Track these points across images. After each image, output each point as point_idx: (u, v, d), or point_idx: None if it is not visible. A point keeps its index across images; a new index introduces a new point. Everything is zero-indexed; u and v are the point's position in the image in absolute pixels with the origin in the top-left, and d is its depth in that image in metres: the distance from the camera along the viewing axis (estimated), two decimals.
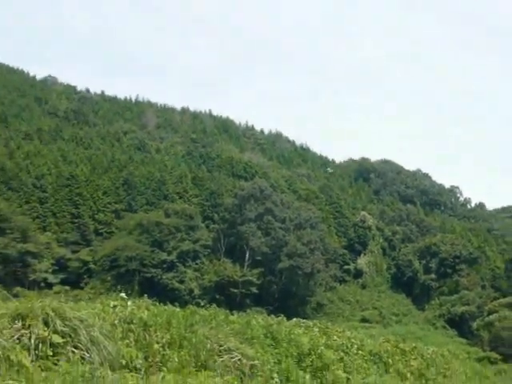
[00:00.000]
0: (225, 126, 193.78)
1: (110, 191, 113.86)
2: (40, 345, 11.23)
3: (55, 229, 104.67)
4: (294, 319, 26.24)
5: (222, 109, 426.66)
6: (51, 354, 11.29)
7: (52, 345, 11.38)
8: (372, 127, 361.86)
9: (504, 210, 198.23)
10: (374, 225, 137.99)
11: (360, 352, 21.50)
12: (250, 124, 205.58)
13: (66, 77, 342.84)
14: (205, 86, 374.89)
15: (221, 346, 14.83)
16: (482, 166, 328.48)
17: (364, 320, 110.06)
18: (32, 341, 11.18)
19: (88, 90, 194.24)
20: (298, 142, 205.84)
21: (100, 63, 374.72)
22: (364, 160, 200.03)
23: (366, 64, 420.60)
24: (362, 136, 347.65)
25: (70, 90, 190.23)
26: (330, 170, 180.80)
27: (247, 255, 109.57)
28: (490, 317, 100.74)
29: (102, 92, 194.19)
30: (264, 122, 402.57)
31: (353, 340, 22.79)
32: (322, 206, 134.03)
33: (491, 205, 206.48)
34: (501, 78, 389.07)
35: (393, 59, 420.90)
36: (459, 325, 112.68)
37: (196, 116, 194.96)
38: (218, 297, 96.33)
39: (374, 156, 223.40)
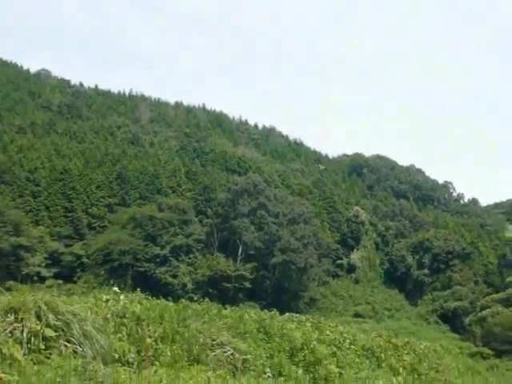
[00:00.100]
0: (218, 121, 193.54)
1: (104, 185, 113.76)
2: (32, 338, 11.22)
3: (48, 222, 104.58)
4: (287, 314, 26.21)
5: (215, 103, 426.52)
6: (43, 347, 11.28)
7: (44, 338, 11.36)
8: (372, 127, 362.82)
9: (497, 205, 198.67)
10: (367, 220, 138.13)
11: (352, 347, 21.49)
12: (243, 119, 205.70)
13: (59, 71, 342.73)
14: (204, 82, 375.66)
15: (213, 340, 14.83)
16: (481, 166, 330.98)
17: (357, 315, 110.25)
18: (24, 334, 11.16)
19: (82, 84, 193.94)
20: (291, 137, 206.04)
21: (97, 59, 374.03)
22: (357, 155, 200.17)
23: (365, 64, 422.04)
24: (362, 135, 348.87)
25: (63, 83, 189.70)
26: (321, 166, 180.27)
27: (240, 250, 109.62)
28: (483, 312, 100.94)
29: (96, 86, 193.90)
30: (258, 116, 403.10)
31: (345, 335, 22.77)
32: (315, 200, 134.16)
33: (484, 200, 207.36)
34: (501, 78, 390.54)
35: (393, 59, 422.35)
36: (452, 320, 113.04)
37: (190, 110, 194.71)
38: (210, 291, 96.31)
39: (368, 151, 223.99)
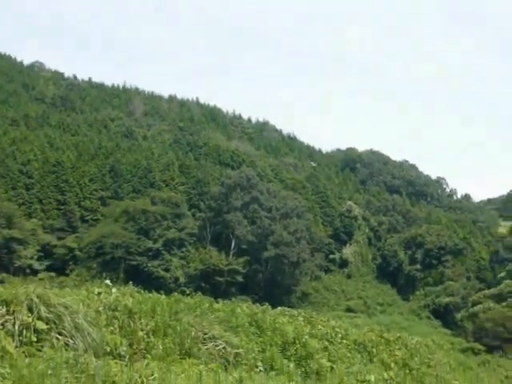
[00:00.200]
0: (212, 115, 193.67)
1: (97, 178, 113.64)
2: (24, 331, 11.17)
3: (41, 215, 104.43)
4: (279, 308, 26.29)
5: (209, 97, 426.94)
6: (35, 340, 11.24)
7: (36, 331, 11.32)
8: (371, 127, 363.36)
9: (490, 201, 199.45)
10: (359, 215, 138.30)
11: (344, 341, 21.52)
12: (237, 113, 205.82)
13: (53, 63, 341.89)
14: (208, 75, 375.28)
15: (205, 333, 14.81)
16: (481, 166, 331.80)
17: (349, 310, 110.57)
18: (16, 327, 11.12)
19: (75, 77, 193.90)
20: (285, 132, 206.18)
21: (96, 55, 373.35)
22: (351, 150, 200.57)
23: (364, 62, 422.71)
24: (355, 130, 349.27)
25: (57, 76, 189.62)
26: (313, 163, 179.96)
27: (233, 244, 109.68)
28: (475, 308, 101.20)
29: (90, 79, 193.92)
30: (251, 111, 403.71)
31: (337, 329, 22.81)
32: (308, 195, 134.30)
33: (477, 196, 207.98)
34: (501, 78, 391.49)
35: (393, 59, 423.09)
36: (443, 315, 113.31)
37: (183, 104, 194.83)
38: (203, 285, 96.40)
39: (361, 146, 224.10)
